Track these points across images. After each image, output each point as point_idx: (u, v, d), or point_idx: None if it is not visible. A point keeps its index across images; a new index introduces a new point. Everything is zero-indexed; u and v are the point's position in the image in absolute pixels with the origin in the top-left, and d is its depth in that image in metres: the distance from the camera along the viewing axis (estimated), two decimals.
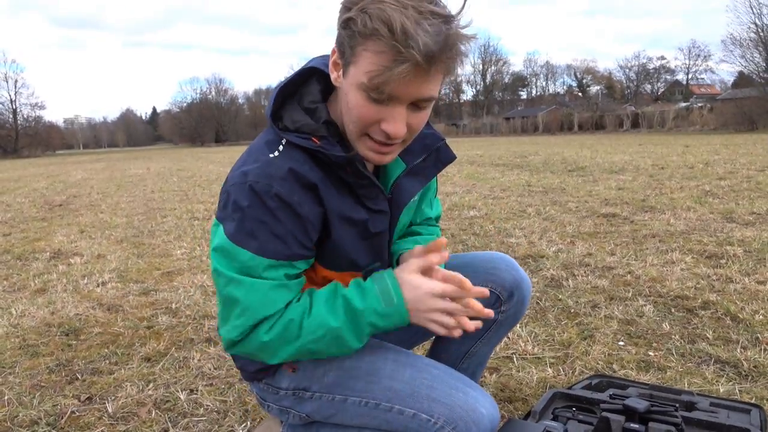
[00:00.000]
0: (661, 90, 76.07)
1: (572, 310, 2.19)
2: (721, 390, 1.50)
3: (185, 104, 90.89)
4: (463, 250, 3.33)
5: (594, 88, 79.14)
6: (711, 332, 1.89)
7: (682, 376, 1.60)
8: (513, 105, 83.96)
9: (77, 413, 1.54)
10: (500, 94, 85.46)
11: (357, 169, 0.87)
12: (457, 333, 0.86)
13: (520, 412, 1.45)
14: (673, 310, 2.14)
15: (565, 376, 1.65)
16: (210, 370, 1.80)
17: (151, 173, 12.87)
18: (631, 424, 0.97)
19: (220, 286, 0.87)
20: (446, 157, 1.04)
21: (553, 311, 2.19)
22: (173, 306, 2.49)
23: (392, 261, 1.05)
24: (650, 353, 1.76)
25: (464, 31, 0.76)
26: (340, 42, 0.80)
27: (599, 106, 44.91)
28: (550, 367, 1.70)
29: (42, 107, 68.34)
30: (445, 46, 0.73)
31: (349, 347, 0.88)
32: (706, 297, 2.25)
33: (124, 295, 2.71)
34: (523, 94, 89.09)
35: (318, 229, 0.89)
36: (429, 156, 1.00)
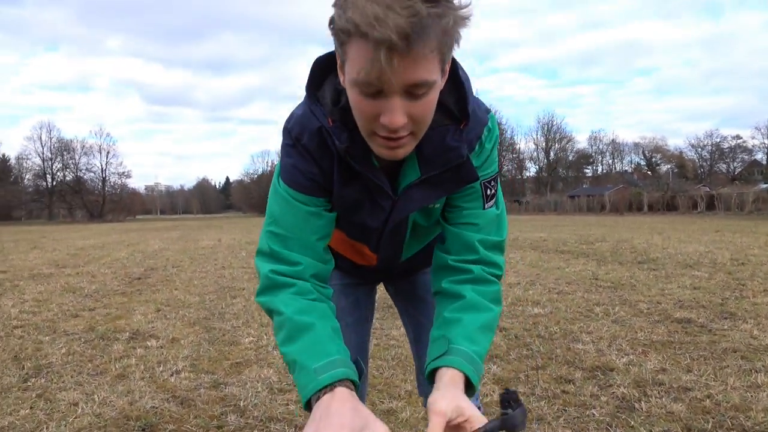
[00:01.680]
0: (738, 170, 72.85)
1: None
2: None
3: (255, 176, 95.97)
4: (527, 355, 3.27)
5: (664, 167, 76.99)
6: None
7: None
8: (578, 182, 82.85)
9: None
10: (564, 171, 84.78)
11: (361, 161, 0.92)
12: None
13: None
14: None
15: None
16: None
17: (222, 245, 13.50)
18: None
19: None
20: (467, 176, 0.97)
21: None
22: (242, 404, 2.58)
23: (425, 366, 0.99)
24: None
25: (461, 12, 0.74)
26: (334, 44, 0.81)
27: (670, 186, 43.44)
28: None
29: (128, 176, 74.17)
30: (421, 25, 0.70)
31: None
32: None
33: (196, 387, 2.83)
34: (589, 172, 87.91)
35: (329, 183, 0.97)
36: (448, 171, 0.95)
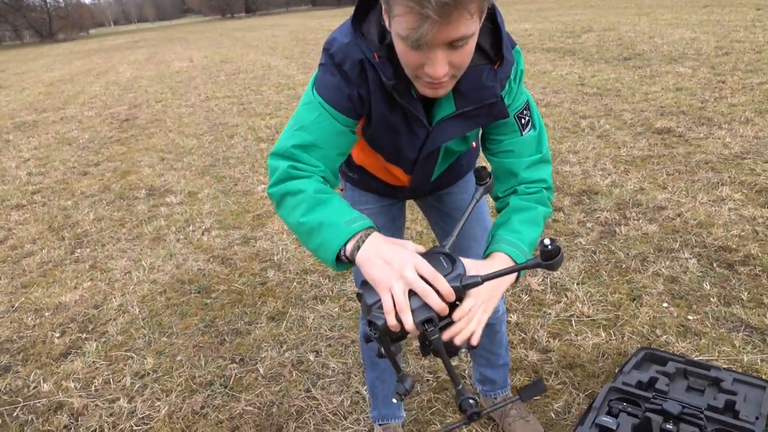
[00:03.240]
0: None
1: (623, 265, 2.51)
2: (746, 360, 1.85)
3: None
4: None
5: None
6: (746, 294, 2.20)
7: (715, 343, 1.95)
8: None
9: (239, 375, 2.06)
10: None
11: (404, 95, 0.99)
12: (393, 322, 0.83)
13: (579, 379, 1.87)
14: (714, 265, 2.43)
15: (616, 341, 2.03)
16: (326, 331, 2.28)
17: (196, 67, 12.98)
18: (667, 426, 1.35)
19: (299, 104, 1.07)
20: (499, 114, 1.05)
21: (606, 267, 2.52)
22: (275, 258, 2.95)
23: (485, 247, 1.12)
24: (689, 317, 2.11)
25: None
26: None
27: None
28: (603, 331, 2.08)
29: None
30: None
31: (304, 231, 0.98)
32: (748, 249, 2.51)
33: (229, 245, 3.18)
34: None
35: (366, 109, 1.03)
36: (481, 107, 1.03)
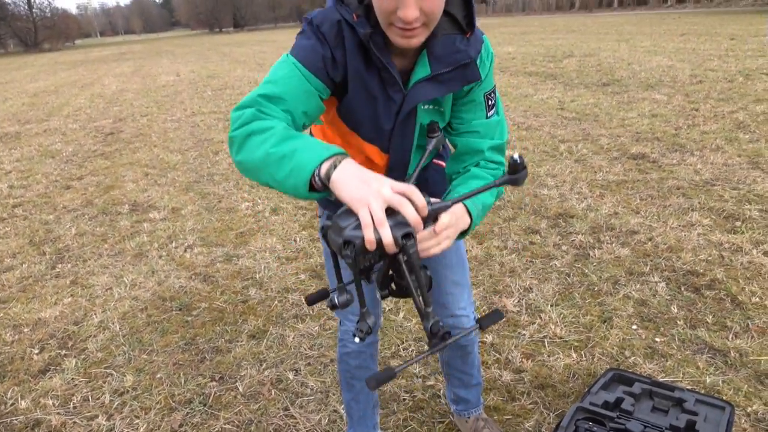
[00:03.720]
0: None
1: (596, 288, 2.60)
2: (708, 381, 1.93)
3: None
4: (499, 206, 3.68)
5: None
6: (711, 317, 2.29)
7: (680, 364, 2.03)
8: None
9: (218, 393, 2.09)
10: None
11: (380, 49, 1.03)
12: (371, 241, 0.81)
13: (549, 398, 1.93)
14: (682, 289, 2.52)
15: (586, 362, 2.10)
16: (306, 349, 2.31)
17: (183, 81, 13.01)
18: None
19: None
20: (472, 75, 1.10)
21: (579, 289, 2.60)
22: (257, 276, 2.98)
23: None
24: (657, 339, 2.19)
25: None
26: None
27: None
28: (574, 352, 2.15)
29: None
30: None
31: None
32: (714, 274, 2.61)
33: (212, 262, 3.21)
34: None
35: (341, 74, 1.06)
36: (455, 70, 1.07)
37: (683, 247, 2.90)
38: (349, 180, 0.85)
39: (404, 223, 0.84)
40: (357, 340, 0.95)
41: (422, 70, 1.07)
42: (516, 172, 0.90)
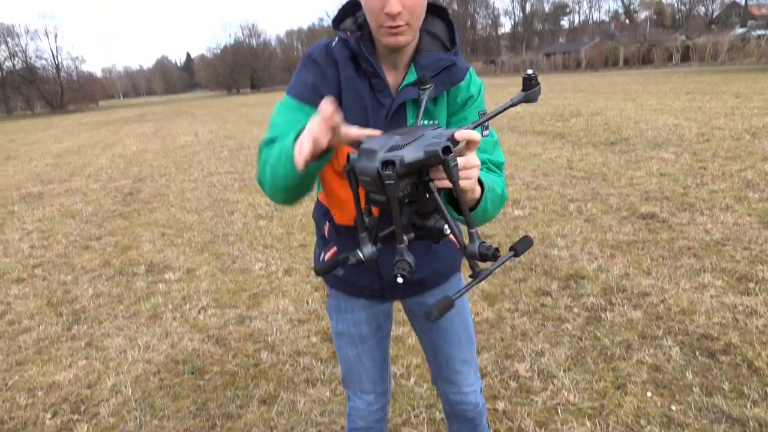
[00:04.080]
0: (716, 13, 71.03)
1: (608, 352, 2.57)
2: None
3: (219, 50, 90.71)
4: (510, 267, 3.70)
5: (642, 14, 74.48)
6: (727, 383, 2.26)
7: None
8: (554, 37, 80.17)
9: None
10: (540, 24, 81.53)
11: (368, 59, 1.15)
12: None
13: None
14: (697, 354, 2.49)
15: (602, 431, 2.06)
16: (316, 416, 2.30)
17: (201, 141, 13.44)
18: None
19: None
20: (455, 77, 1.20)
21: (592, 353, 2.58)
22: (269, 339, 3.00)
23: None
24: (672, 407, 2.15)
25: None
26: None
27: (647, 38, 42.59)
28: (588, 421, 2.12)
29: (83, 61, 69.62)
30: None
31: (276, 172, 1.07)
32: (729, 338, 2.58)
33: (225, 324, 3.24)
34: (565, 23, 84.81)
35: (334, 90, 1.18)
36: (440, 73, 1.18)
37: (696, 310, 2.89)
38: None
39: (442, 139, 0.86)
40: (351, 260, 0.94)
41: (410, 77, 1.18)
42: (530, 88, 0.94)
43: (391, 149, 0.85)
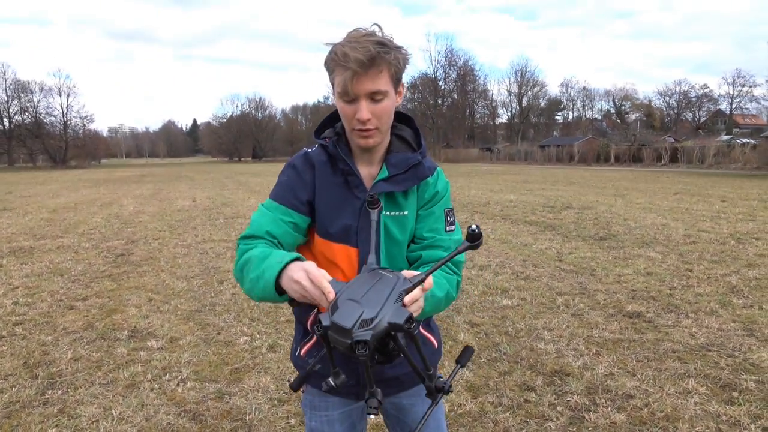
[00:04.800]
0: (703, 119, 74.69)
1: None
2: None
3: (224, 119, 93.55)
4: (495, 358, 3.69)
5: (633, 116, 78.17)
6: None
7: None
8: (549, 129, 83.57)
9: None
10: (536, 118, 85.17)
11: (345, 159, 1.33)
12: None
13: None
14: None
15: None
16: None
17: (198, 207, 13.59)
18: None
19: None
20: (422, 173, 1.37)
21: None
22: (247, 418, 2.93)
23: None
24: None
25: (402, 52, 1.25)
26: (328, 76, 1.28)
27: (637, 138, 44.47)
28: None
29: (91, 120, 71.47)
30: (371, 57, 1.18)
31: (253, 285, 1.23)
32: None
33: (203, 399, 3.17)
34: (560, 119, 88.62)
35: (310, 193, 1.35)
36: (408, 170, 1.35)
37: (680, 416, 2.87)
38: (295, 271, 1.12)
39: (403, 309, 1.00)
40: (324, 387, 1.05)
41: (382, 174, 1.35)
42: (474, 241, 1.04)
43: (362, 324, 0.96)
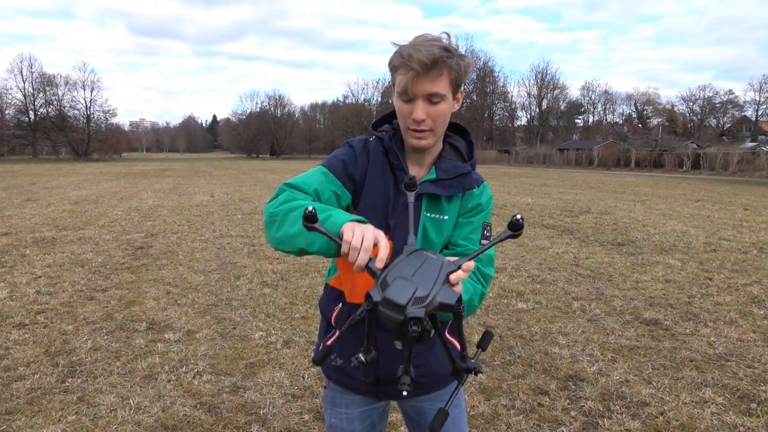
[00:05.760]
0: (727, 125, 73.32)
1: None
2: None
3: (244, 116, 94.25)
4: (509, 361, 3.68)
5: (655, 120, 77.04)
6: None
7: None
8: (568, 133, 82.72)
9: None
10: (556, 121, 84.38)
11: (397, 154, 1.36)
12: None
13: None
14: None
15: None
16: None
17: (216, 202, 13.73)
18: None
19: None
20: (468, 184, 1.40)
21: None
22: (261, 412, 2.97)
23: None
24: None
25: (465, 60, 1.27)
26: (391, 75, 1.33)
27: (658, 143, 43.81)
28: None
29: (114, 114, 72.65)
30: (434, 60, 1.22)
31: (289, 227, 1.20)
32: None
33: (218, 392, 3.22)
34: (580, 122, 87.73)
35: (360, 174, 1.37)
36: (455, 178, 1.38)
37: (696, 426, 2.84)
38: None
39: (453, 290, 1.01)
40: (352, 363, 1.01)
41: (430, 175, 1.38)
42: (517, 230, 1.04)
43: (415, 302, 0.94)
